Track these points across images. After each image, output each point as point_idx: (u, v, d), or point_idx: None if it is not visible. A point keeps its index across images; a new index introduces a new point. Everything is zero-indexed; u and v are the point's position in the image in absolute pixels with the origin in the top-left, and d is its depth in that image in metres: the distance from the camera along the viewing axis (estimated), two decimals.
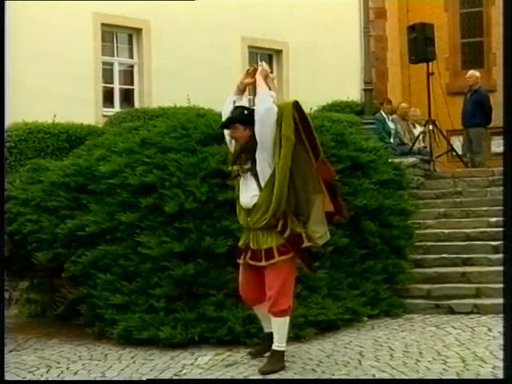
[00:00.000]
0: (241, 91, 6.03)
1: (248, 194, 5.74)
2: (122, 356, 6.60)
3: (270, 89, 5.81)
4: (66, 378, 5.92)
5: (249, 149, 5.71)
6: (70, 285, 7.68)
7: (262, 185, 5.66)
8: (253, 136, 5.69)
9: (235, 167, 5.82)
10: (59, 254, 7.54)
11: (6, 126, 9.91)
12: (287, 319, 5.85)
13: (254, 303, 6.10)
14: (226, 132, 5.98)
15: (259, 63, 6.03)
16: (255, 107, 5.73)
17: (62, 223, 7.54)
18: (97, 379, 5.83)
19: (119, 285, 7.19)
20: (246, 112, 5.80)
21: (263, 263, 5.74)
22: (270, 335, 5.98)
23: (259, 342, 6.35)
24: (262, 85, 5.79)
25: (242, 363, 6.12)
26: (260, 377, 5.62)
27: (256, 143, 5.67)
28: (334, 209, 5.94)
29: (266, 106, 5.63)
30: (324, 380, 5.42)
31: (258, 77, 5.86)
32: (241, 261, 5.95)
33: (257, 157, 5.68)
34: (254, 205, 5.70)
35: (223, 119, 5.99)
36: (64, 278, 7.62)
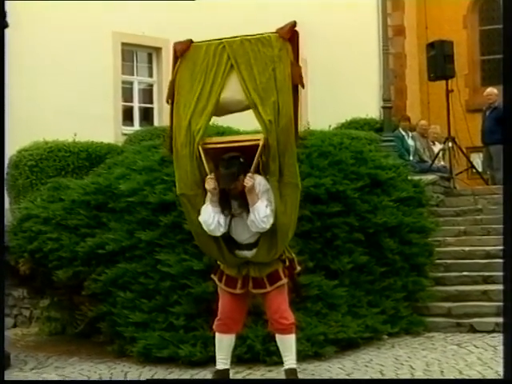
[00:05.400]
0: (217, 199, 5.46)
1: (246, 232, 5.51)
2: (142, 374, 6.59)
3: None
4: None
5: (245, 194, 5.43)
6: (89, 302, 7.70)
7: None
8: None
9: (226, 211, 5.49)
10: (79, 272, 7.57)
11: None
12: None
13: (237, 332, 5.91)
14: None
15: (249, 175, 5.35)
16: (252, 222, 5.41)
17: (82, 241, 7.58)
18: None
19: (139, 303, 7.20)
20: (242, 160, 5.41)
21: (268, 289, 5.63)
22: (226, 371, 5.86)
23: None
24: (252, 200, 5.37)
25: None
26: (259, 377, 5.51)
27: None
28: None
29: (261, 227, 5.37)
30: (324, 380, 5.37)
31: (248, 192, 5.36)
32: (237, 291, 5.69)
33: None
34: (257, 240, 5.53)
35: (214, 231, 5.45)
36: (84, 295, 7.64)
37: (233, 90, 5.51)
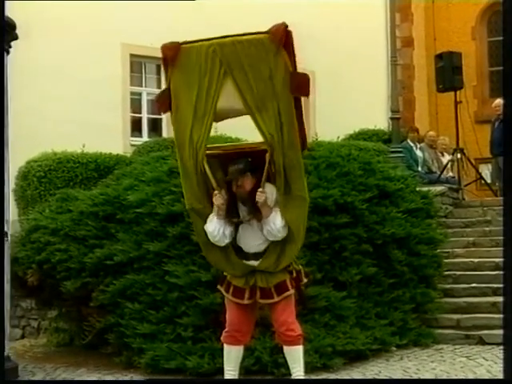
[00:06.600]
0: (223, 214, 5.44)
1: (255, 240, 5.49)
2: None
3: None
4: None
5: (254, 198, 5.38)
6: (97, 314, 7.69)
7: None
8: (257, 184, 5.39)
9: (234, 219, 5.47)
10: (87, 283, 7.57)
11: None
12: None
13: (245, 343, 5.86)
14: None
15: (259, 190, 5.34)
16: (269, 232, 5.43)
17: (90, 252, 7.58)
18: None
19: (147, 314, 7.19)
20: (250, 159, 5.46)
21: (276, 299, 5.57)
22: None
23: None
24: (265, 213, 5.37)
25: None
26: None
27: None
28: None
29: (278, 236, 5.40)
30: (324, 380, 5.33)
31: (261, 206, 5.36)
32: (245, 301, 5.62)
33: None
34: (265, 250, 5.50)
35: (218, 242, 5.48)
36: (92, 306, 7.63)
37: (230, 100, 5.34)
